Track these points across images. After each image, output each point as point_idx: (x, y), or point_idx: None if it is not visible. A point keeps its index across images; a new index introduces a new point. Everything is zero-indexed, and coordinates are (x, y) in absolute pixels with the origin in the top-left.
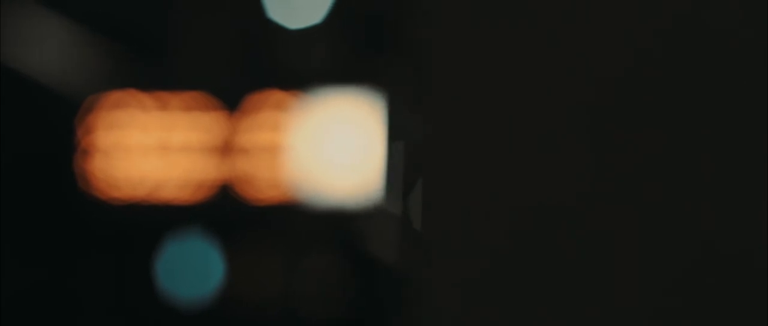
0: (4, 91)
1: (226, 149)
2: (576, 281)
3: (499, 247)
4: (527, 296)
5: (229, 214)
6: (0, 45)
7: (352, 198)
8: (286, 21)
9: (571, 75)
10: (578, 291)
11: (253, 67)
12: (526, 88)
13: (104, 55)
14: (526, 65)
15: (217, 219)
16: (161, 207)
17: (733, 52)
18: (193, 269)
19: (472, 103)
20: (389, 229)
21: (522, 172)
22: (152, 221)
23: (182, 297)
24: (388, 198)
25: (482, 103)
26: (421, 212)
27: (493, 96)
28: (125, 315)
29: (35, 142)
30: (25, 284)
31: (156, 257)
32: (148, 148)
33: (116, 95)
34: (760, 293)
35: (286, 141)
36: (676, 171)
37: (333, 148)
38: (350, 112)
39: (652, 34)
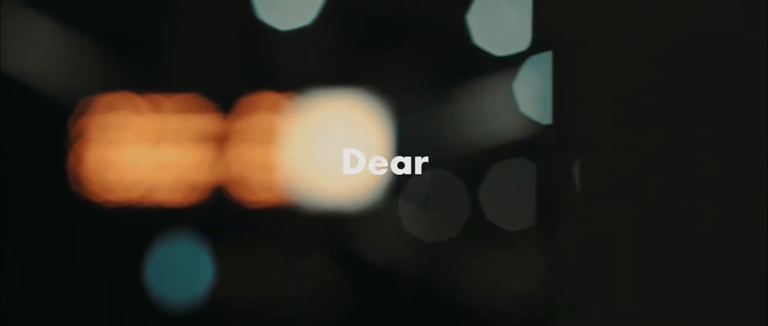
0: None
1: (221, 151)
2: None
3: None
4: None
5: (223, 217)
6: None
7: (347, 200)
8: (276, 22)
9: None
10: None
11: (247, 69)
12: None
13: (97, 57)
14: None
15: (212, 222)
16: (155, 210)
17: (734, 52)
18: (184, 271)
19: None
20: (384, 232)
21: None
22: (146, 223)
23: (174, 299)
24: (387, 200)
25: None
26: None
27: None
28: (119, 317)
29: (28, 144)
30: (18, 286)
31: (148, 259)
32: (141, 150)
33: (109, 97)
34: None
35: (281, 143)
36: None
37: (328, 150)
38: (345, 113)
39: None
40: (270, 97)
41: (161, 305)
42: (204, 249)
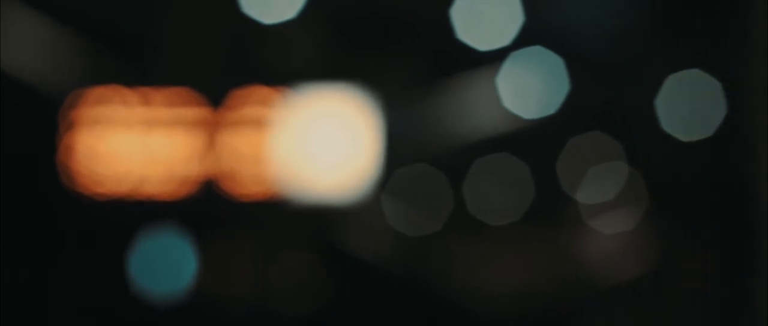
0: None
1: (210, 145)
2: None
3: None
4: None
5: (212, 210)
6: None
7: (336, 194)
8: (260, 16)
9: None
10: None
11: (237, 63)
12: None
13: (87, 51)
14: None
15: (201, 215)
16: (144, 203)
17: None
18: (172, 264)
19: None
20: (372, 226)
21: None
22: (135, 217)
23: (163, 291)
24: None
25: None
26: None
27: None
28: (112, 311)
29: (18, 138)
30: (7, 277)
31: (137, 252)
32: (131, 143)
33: (99, 91)
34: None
35: (270, 137)
36: None
37: (317, 144)
38: (334, 107)
39: None
40: (259, 91)
41: (150, 297)
42: (192, 242)
